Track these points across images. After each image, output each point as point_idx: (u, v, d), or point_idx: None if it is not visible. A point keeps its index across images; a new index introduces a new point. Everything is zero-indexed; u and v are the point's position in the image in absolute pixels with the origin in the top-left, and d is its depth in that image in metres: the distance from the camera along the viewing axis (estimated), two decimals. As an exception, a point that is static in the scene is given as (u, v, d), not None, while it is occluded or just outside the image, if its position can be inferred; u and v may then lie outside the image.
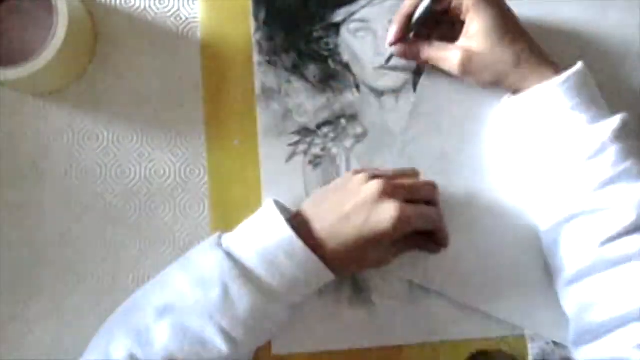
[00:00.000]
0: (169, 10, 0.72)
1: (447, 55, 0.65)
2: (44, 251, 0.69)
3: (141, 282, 0.68)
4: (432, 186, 0.64)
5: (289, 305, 0.60)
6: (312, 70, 0.70)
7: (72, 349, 0.68)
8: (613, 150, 0.59)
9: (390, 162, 0.69)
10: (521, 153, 0.66)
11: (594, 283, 0.58)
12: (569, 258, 0.61)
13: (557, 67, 0.63)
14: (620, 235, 0.57)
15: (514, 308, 0.67)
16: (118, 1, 0.72)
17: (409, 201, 0.59)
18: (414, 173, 0.65)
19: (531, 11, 0.70)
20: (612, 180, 0.59)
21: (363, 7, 0.71)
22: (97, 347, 0.58)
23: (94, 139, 0.70)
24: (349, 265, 0.61)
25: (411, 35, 0.67)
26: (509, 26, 0.64)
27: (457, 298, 0.67)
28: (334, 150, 0.69)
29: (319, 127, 0.70)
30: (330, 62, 0.71)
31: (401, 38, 0.67)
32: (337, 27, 0.71)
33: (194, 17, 0.72)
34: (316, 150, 0.69)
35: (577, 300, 0.61)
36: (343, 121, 0.70)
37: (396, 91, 0.70)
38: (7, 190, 0.69)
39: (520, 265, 0.67)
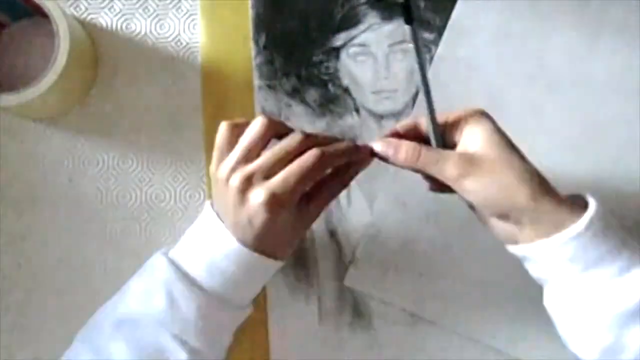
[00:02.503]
0: (170, 35, 0.72)
1: (444, 158, 0.53)
2: (43, 276, 0.69)
3: (141, 307, 0.68)
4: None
5: (239, 306, 0.57)
6: (312, 94, 0.71)
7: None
8: None
9: (389, 187, 0.69)
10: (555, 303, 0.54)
11: None
12: None
13: (572, 206, 0.51)
14: None
15: (512, 339, 0.67)
16: (119, 26, 0.72)
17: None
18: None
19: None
20: None
21: (363, 31, 0.71)
22: None
23: (94, 164, 0.70)
24: (275, 247, 0.56)
25: None
26: (516, 153, 0.52)
27: (453, 329, 0.67)
28: (334, 174, 0.69)
29: (318, 151, 0.70)
30: (330, 86, 0.71)
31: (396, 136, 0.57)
32: (337, 51, 0.71)
33: (195, 42, 0.72)
34: (316, 174, 0.69)
35: None
36: (343, 145, 0.70)
37: (396, 115, 0.70)
38: (6, 215, 0.69)
39: (519, 296, 0.66)
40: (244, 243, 0.54)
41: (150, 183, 0.70)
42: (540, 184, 0.51)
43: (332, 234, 0.69)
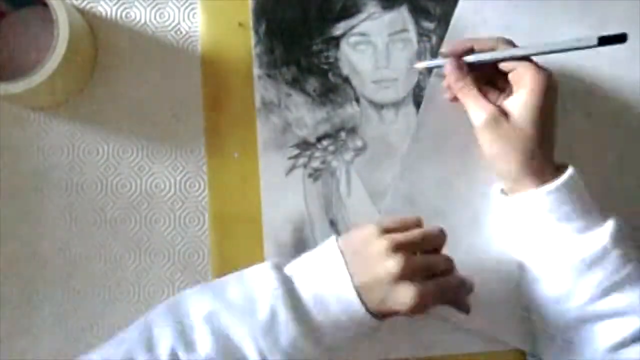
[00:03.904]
0: (169, 25, 0.72)
1: (479, 105, 0.62)
2: (44, 265, 0.69)
3: (142, 295, 0.69)
4: (441, 235, 0.61)
5: (325, 349, 0.58)
6: (312, 83, 0.70)
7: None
8: (613, 256, 0.58)
9: (389, 176, 0.69)
10: (521, 248, 0.65)
11: None
12: None
13: (554, 174, 0.61)
14: (629, 342, 0.57)
15: (520, 334, 0.67)
16: (118, 15, 0.72)
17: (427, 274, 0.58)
18: (420, 223, 0.62)
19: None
20: (613, 289, 0.58)
21: (363, 20, 0.71)
22: (137, 329, 0.57)
23: (94, 153, 0.70)
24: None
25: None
26: (549, 117, 0.62)
27: (461, 326, 0.67)
28: (334, 164, 0.69)
29: (318, 140, 0.70)
30: (330, 75, 0.71)
31: (459, 56, 0.65)
32: (337, 40, 0.71)
33: (194, 31, 0.72)
34: (316, 163, 0.69)
35: None
36: (343, 134, 0.70)
37: (396, 104, 0.70)
38: (7, 204, 0.69)
39: (522, 292, 0.66)
40: (364, 303, 0.55)
41: (150, 172, 0.70)
42: (535, 163, 0.61)
43: (332, 223, 0.69)
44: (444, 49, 0.66)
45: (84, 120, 0.71)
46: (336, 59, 0.71)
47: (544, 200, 0.60)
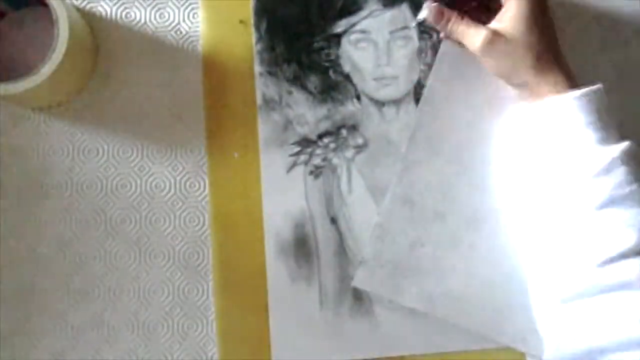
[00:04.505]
0: (170, 24, 0.72)
1: (474, 32, 0.64)
2: (44, 265, 0.69)
3: (142, 295, 0.68)
4: None
5: None
6: (313, 81, 0.70)
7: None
8: (621, 171, 0.57)
9: (390, 174, 0.68)
10: (527, 164, 0.64)
11: (586, 306, 0.56)
12: (563, 277, 0.59)
13: (571, 77, 0.63)
14: (619, 258, 0.55)
15: (521, 335, 0.66)
16: (118, 15, 0.72)
17: None
18: None
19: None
20: (615, 202, 0.57)
21: (364, 18, 0.71)
22: None
23: (94, 153, 0.70)
24: None
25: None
26: (542, 22, 0.63)
27: (463, 327, 0.67)
28: (335, 161, 0.69)
29: (319, 137, 0.69)
30: (331, 72, 0.70)
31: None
32: (338, 38, 0.71)
33: (195, 31, 0.72)
34: (317, 160, 0.69)
35: (561, 324, 0.58)
36: (344, 132, 0.70)
37: (397, 102, 0.70)
38: (7, 204, 0.69)
39: (524, 291, 0.65)
40: None
41: (150, 172, 0.70)
42: (549, 60, 0.62)
43: (333, 220, 0.69)
44: None
45: (84, 120, 0.71)
46: (337, 57, 0.70)
47: (574, 104, 0.60)
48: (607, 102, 0.61)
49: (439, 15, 0.66)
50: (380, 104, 0.70)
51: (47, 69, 0.63)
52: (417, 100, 0.70)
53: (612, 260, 0.55)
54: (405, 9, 0.69)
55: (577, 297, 0.57)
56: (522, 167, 0.65)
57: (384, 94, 0.70)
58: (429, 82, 0.69)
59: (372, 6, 0.70)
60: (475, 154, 0.68)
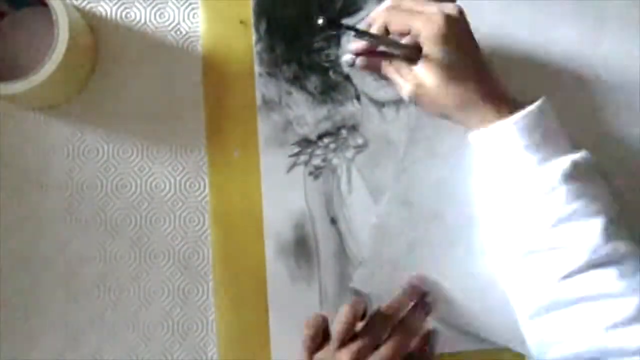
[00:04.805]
0: (169, 24, 0.72)
1: (401, 82, 0.63)
2: (44, 265, 0.69)
3: (142, 295, 0.68)
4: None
5: None
6: (312, 81, 0.70)
7: (77, 362, 0.68)
8: (562, 191, 0.58)
9: (390, 174, 0.68)
10: (482, 187, 0.65)
11: (553, 320, 0.58)
12: (529, 293, 0.60)
13: (513, 105, 0.61)
14: (575, 273, 0.57)
15: (518, 337, 0.66)
16: (118, 15, 0.72)
17: None
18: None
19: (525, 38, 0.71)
20: (565, 219, 0.58)
21: (363, 19, 0.70)
22: None
23: (94, 152, 0.70)
24: None
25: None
26: (461, 64, 0.61)
27: (460, 328, 0.67)
28: (335, 161, 0.69)
29: (319, 138, 0.69)
30: (331, 73, 0.70)
31: (366, 51, 0.65)
32: (337, 38, 0.71)
33: (195, 31, 0.72)
34: (317, 161, 0.69)
35: (537, 337, 0.60)
36: (344, 132, 0.70)
37: (397, 102, 0.70)
38: (7, 204, 0.69)
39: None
40: None
41: (150, 172, 0.70)
42: (477, 101, 0.61)
43: (333, 220, 0.69)
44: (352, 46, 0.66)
45: (84, 120, 0.71)
46: (337, 57, 0.70)
47: (511, 129, 0.59)
48: (551, 115, 0.61)
49: (367, 65, 0.66)
50: (380, 104, 0.70)
51: (47, 69, 0.63)
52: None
53: (568, 276, 0.57)
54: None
55: (543, 312, 0.59)
56: (481, 190, 0.66)
57: (384, 94, 0.70)
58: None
59: (371, 7, 0.70)
60: (472, 155, 0.68)
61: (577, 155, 0.59)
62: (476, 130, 0.62)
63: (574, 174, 0.58)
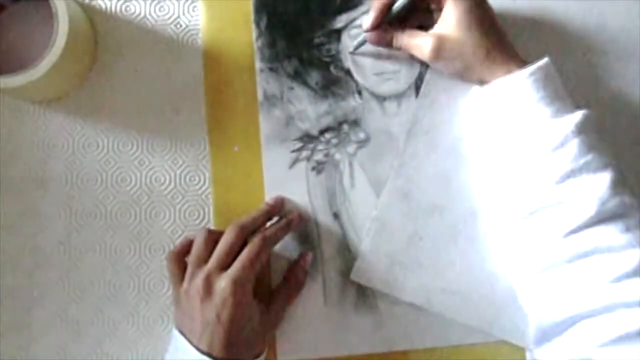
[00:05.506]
0: (169, 18, 0.72)
1: (420, 41, 0.65)
2: (44, 259, 0.69)
3: (142, 289, 0.69)
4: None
5: None
6: (314, 76, 0.70)
7: (78, 357, 0.68)
8: (575, 143, 0.59)
9: (394, 180, 0.69)
10: (489, 146, 0.66)
11: (557, 276, 0.58)
12: (534, 250, 0.60)
13: (524, 64, 0.63)
14: (582, 228, 0.57)
15: (519, 329, 0.67)
16: (118, 8, 0.72)
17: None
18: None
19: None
20: (573, 173, 0.58)
21: (364, 13, 0.71)
22: None
23: (94, 146, 0.70)
24: (243, 350, 0.61)
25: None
26: (484, 18, 0.64)
27: (461, 321, 0.67)
28: (337, 156, 0.69)
29: (321, 133, 0.70)
30: (332, 68, 0.70)
31: (378, 25, 0.67)
32: (338, 33, 0.71)
33: (195, 24, 0.72)
34: (319, 156, 0.69)
35: (538, 295, 0.60)
36: (345, 127, 0.70)
37: (398, 96, 0.70)
38: (7, 197, 0.69)
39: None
40: (211, 353, 0.58)
41: (150, 166, 0.70)
42: (498, 54, 0.64)
43: (336, 215, 0.69)
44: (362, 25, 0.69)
45: (84, 114, 0.70)
46: (338, 52, 0.71)
47: (525, 82, 0.61)
48: (557, 75, 0.63)
49: (380, 39, 0.68)
50: (381, 98, 0.70)
51: (47, 62, 0.63)
52: (418, 95, 0.70)
53: (575, 231, 0.57)
54: (405, 3, 0.69)
55: (549, 268, 0.59)
56: (487, 150, 0.67)
57: (385, 88, 0.70)
58: (427, 76, 0.70)
59: (371, 1, 0.70)
60: (472, 147, 0.69)
61: (586, 110, 0.61)
62: (489, 84, 0.64)
63: (586, 127, 0.60)
